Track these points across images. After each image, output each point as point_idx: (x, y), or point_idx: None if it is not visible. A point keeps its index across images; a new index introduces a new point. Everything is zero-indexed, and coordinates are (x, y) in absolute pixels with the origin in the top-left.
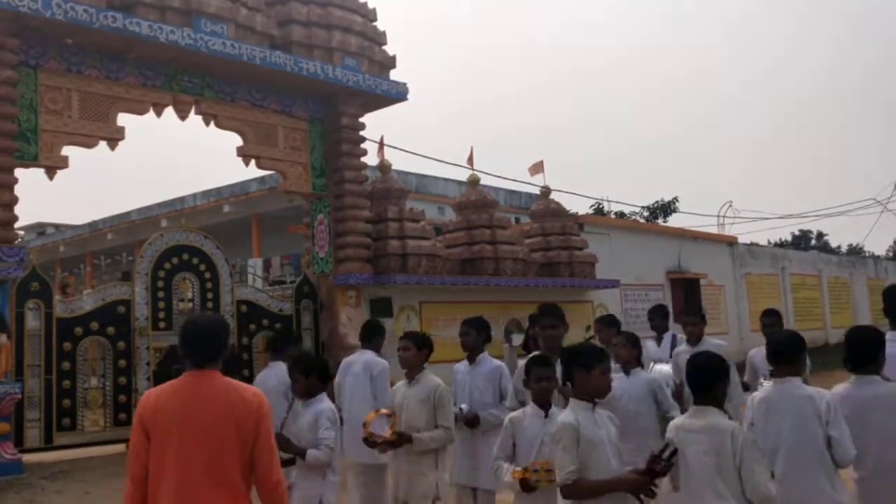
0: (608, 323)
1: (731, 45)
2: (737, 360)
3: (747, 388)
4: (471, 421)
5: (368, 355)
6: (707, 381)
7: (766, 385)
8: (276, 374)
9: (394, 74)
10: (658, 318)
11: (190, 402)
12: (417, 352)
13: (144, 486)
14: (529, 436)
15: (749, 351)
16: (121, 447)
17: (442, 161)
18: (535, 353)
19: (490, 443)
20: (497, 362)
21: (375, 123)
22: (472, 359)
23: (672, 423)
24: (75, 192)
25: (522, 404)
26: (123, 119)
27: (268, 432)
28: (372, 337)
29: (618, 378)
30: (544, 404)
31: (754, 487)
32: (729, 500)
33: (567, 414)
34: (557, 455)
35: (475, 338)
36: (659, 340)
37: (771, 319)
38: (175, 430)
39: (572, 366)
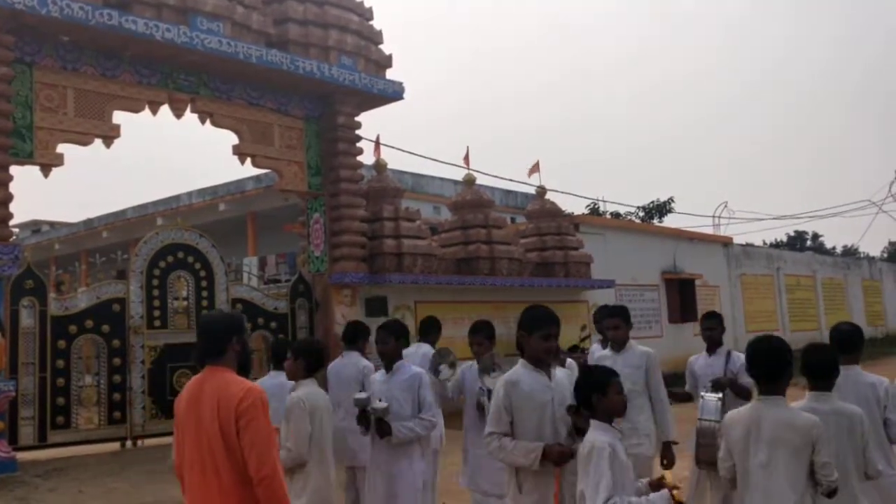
0: (611, 313)
1: (728, 47)
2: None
3: (690, 397)
4: (384, 429)
5: (355, 357)
6: (825, 369)
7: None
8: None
9: (390, 74)
10: (604, 318)
11: (193, 398)
12: (396, 343)
13: (180, 471)
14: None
15: (689, 357)
16: (115, 445)
17: (438, 160)
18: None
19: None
20: (416, 369)
21: (372, 123)
22: (388, 367)
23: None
24: (71, 189)
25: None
26: (119, 117)
27: (251, 428)
28: (356, 339)
29: (610, 357)
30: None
31: (874, 465)
32: (855, 479)
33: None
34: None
35: (394, 345)
36: (605, 343)
37: (711, 323)
38: (184, 425)
39: (588, 390)
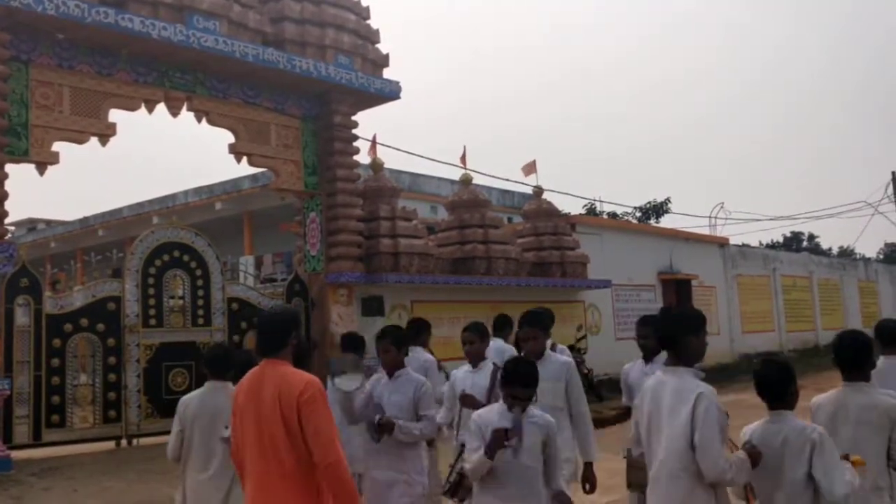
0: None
1: (727, 48)
2: (726, 360)
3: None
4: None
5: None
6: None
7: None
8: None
9: (387, 73)
10: (504, 326)
11: (253, 391)
12: (398, 351)
13: (241, 459)
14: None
15: (624, 366)
16: (110, 444)
17: (435, 160)
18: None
19: None
20: (417, 377)
21: (370, 122)
22: (391, 375)
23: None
24: (66, 188)
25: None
26: (115, 115)
27: (315, 417)
28: (356, 350)
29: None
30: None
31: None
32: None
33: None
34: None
35: (395, 354)
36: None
37: (645, 331)
38: (244, 415)
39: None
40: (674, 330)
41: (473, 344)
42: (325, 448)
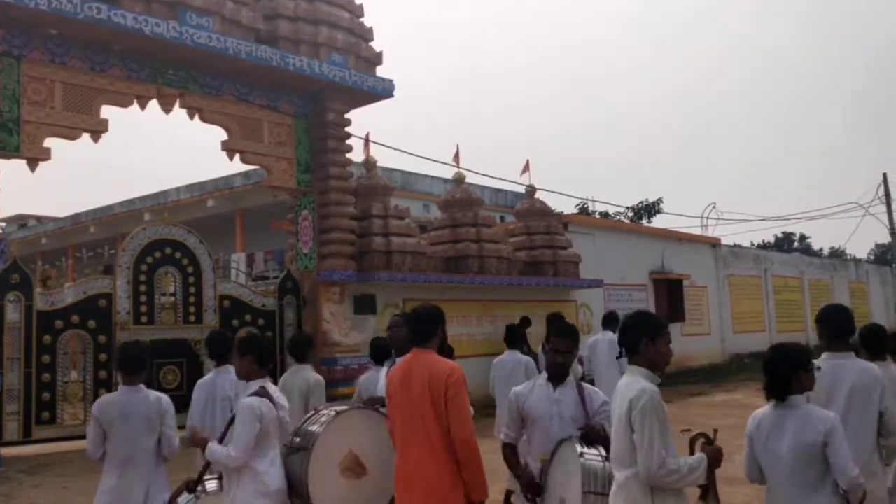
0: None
1: (726, 50)
2: (717, 361)
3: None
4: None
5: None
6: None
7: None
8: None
9: (381, 71)
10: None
11: (405, 376)
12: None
13: (393, 440)
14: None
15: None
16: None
17: (428, 158)
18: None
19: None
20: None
21: (368, 122)
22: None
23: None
24: (58, 184)
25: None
26: (107, 111)
27: (457, 399)
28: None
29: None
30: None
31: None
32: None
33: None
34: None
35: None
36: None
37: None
38: (397, 397)
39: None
40: (633, 335)
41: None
42: (463, 425)
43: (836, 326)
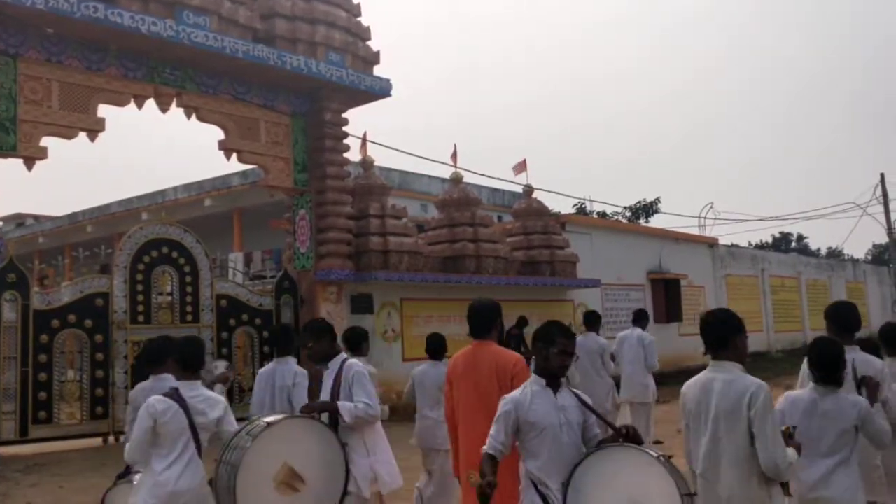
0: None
1: (724, 50)
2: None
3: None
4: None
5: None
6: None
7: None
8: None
9: (378, 70)
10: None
11: (471, 361)
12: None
13: (454, 418)
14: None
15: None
16: (97, 441)
17: (425, 158)
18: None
19: None
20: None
21: (362, 122)
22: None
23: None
24: (55, 183)
25: None
26: (104, 110)
27: (519, 384)
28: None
29: None
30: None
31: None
32: None
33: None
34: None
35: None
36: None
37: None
38: (463, 380)
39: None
40: (723, 331)
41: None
42: None
43: (844, 322)
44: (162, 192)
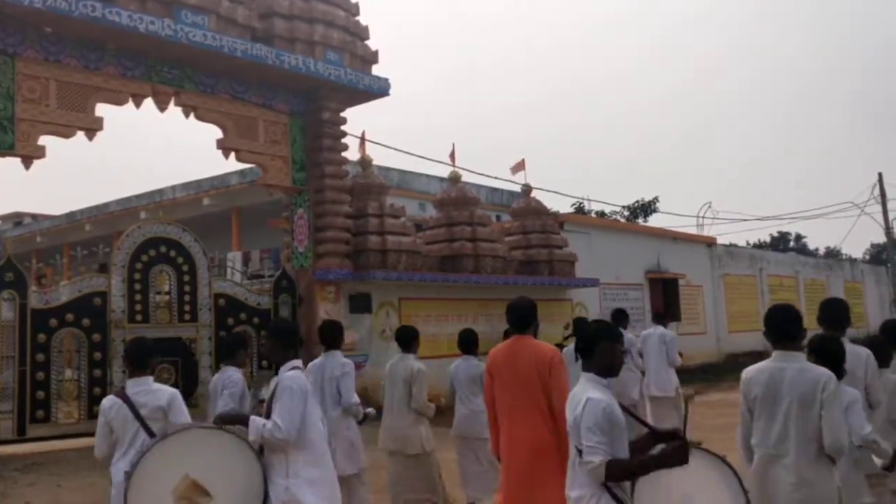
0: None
1: (724, 50)
2: (712, 360)
3: None
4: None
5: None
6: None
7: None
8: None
9: (379, 71)
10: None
11: (511, 354)
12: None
13: (494, 408)
14: None
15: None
16: (95, 440)
17: (423, 157)
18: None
19: None
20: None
21: (360, 121)
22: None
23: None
24: (53, 182)
25: None
26: (102, 109)
27: (557, 376)
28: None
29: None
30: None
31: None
32: None
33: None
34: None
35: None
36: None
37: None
38: (503, 372)
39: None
40: (794, 326)
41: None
42: (561, 397)
43: (832, 316)
44: (160, 192)
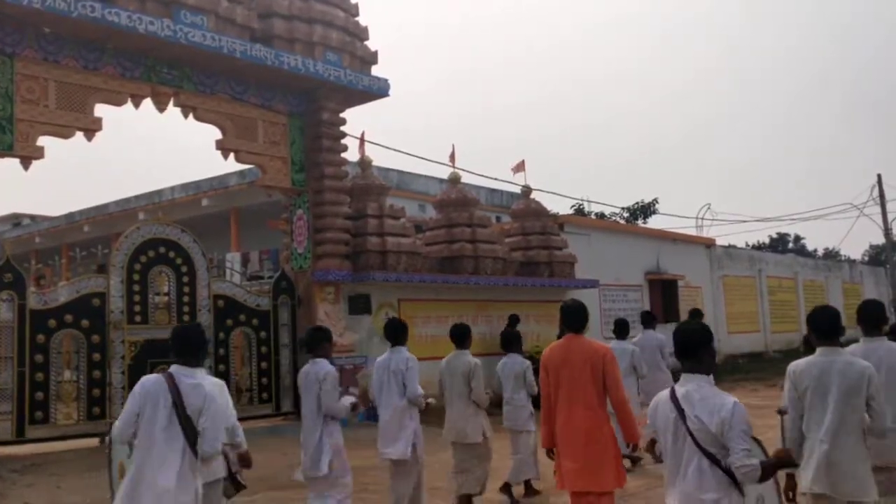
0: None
1: (723, 51)
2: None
3: None
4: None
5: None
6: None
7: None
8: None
9: (378, 71)
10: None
11: (567, 351)
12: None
13: (549, 401)
14: None
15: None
16: (94, 441)
17: (423, 158)
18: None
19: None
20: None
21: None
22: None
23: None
24: (52, 183)
25: None
26: (101, 110)
27: (612, 371)
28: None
29: None
30: None
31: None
32: None
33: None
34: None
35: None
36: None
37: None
38: (559, 368)
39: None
40: (837, 323)
41: None
42: (617, 389)
43: (871, 317)
44: (159, 192)
